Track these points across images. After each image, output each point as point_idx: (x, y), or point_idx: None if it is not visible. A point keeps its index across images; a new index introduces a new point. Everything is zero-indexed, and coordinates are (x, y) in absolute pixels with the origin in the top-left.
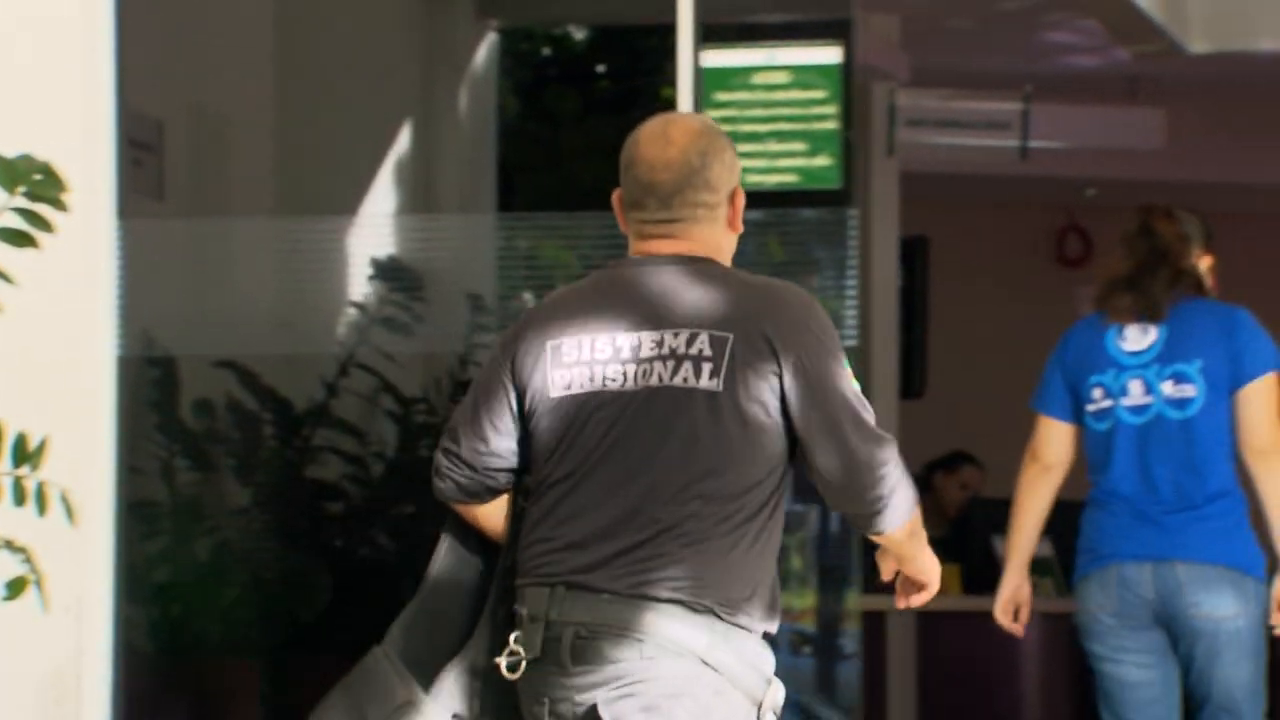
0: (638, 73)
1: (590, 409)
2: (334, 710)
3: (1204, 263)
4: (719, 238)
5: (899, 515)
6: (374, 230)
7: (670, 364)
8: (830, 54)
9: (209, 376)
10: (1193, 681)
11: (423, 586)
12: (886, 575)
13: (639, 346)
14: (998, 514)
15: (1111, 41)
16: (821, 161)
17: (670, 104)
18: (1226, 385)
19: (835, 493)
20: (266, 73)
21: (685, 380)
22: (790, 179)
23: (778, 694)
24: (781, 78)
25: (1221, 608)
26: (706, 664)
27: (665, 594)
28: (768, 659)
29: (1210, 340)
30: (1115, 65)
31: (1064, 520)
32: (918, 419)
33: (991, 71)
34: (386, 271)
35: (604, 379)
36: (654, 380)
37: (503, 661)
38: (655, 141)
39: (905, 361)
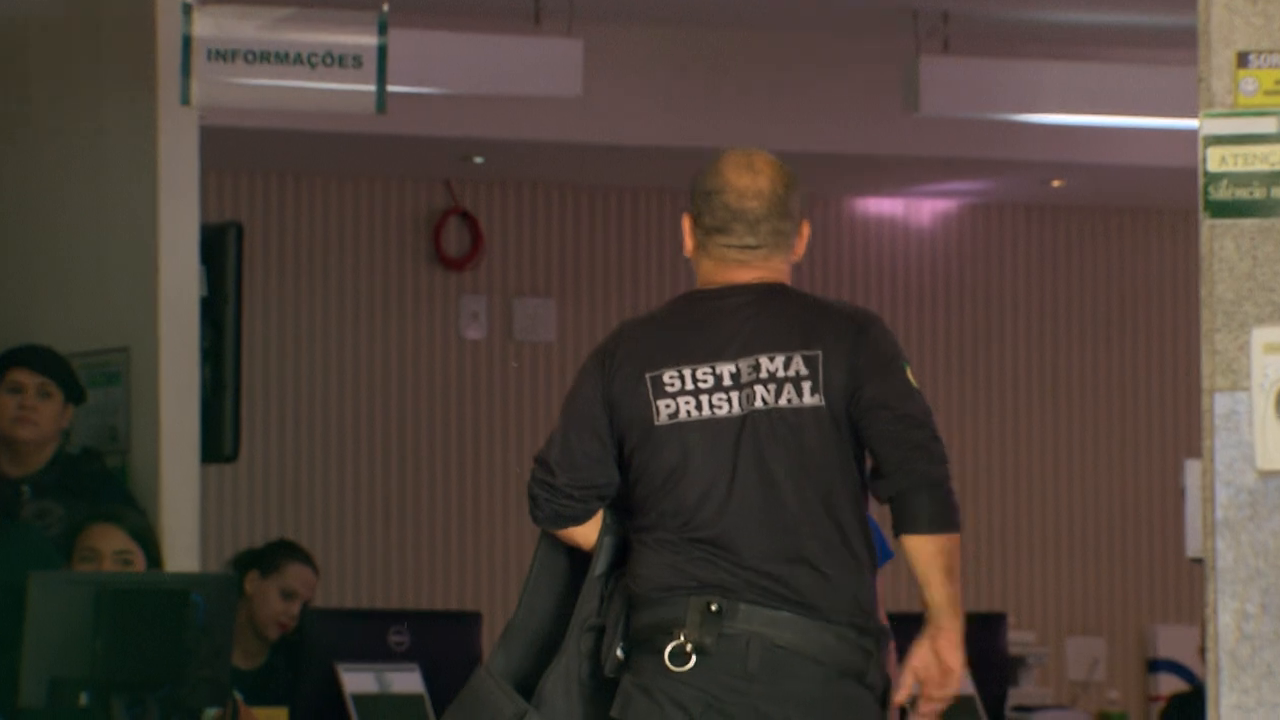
0: None
1: (704, 434)
2: None
3: None
4: (787, 264)
5: (935, 519)
6: None
7: (772, 387)
8: None
9: None
10: None
11: (520, 603)
12: (901, 696)
13: (738, 374)
14: (342, 632)
15: None
16: None
17: None
18: None
19: (886, 475)
20: None
21: (790, 400)
22: None
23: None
24: None
25: None
26: (864, 685)
27: (840, 616)
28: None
29: None
30: None
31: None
32: (227, 493)
33: None
34: None
35: (711, 406)
36: (759, 404)
37: (666, 653)
38: (743, 171)
39: (210, 409)
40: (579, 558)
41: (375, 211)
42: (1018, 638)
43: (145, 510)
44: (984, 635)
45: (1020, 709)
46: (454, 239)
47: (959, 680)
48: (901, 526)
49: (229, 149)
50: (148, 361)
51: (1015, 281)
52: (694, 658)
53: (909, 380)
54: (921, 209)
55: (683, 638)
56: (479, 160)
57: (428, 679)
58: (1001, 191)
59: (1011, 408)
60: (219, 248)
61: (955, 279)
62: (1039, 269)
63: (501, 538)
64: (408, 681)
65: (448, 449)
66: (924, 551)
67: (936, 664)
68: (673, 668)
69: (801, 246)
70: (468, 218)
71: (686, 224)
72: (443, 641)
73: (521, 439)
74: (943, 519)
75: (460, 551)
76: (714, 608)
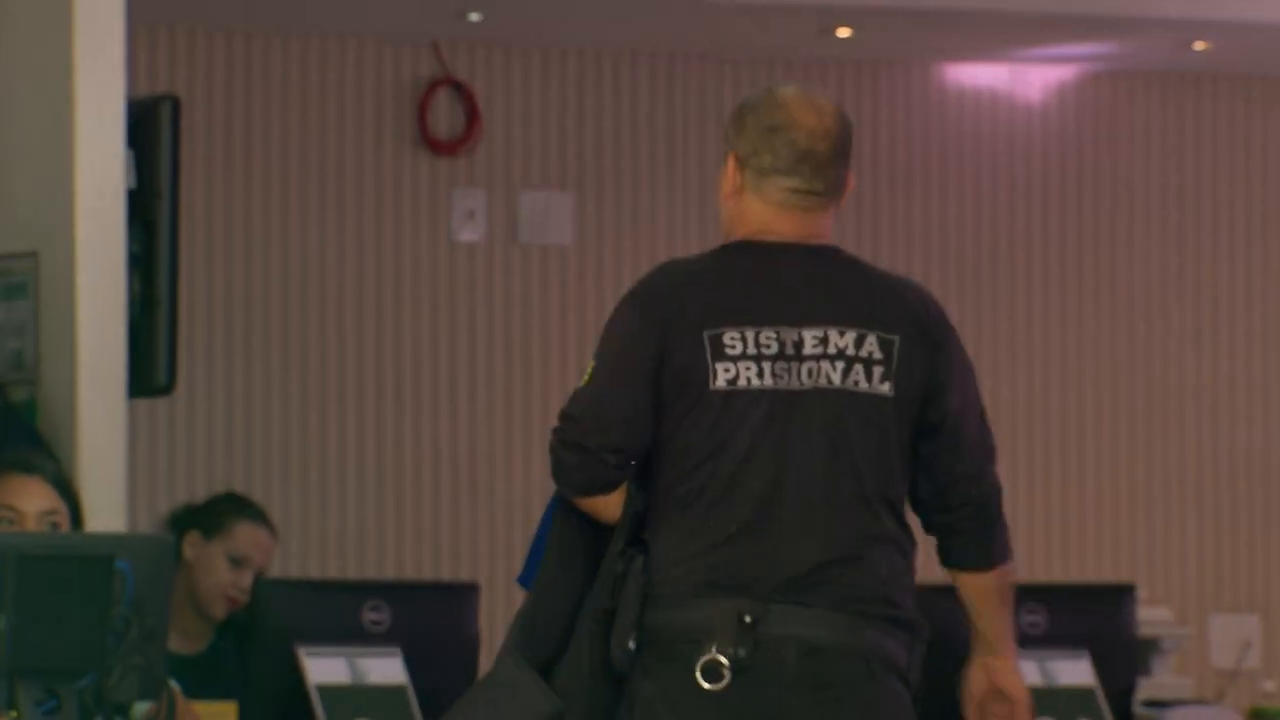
0: None
1: (761, 407)
2: None
3: None
4: (834, 216)
5: (995, 551)
6: None
7: (839, 365)
8: None
9: None
10: None
11: (537, 582)
12: (973, 717)
13: (801, 343)
14: (305, 608)
15: None
16: None
17: None
18: None
19: (941, 497)
20: None
21: (857, 384)
22: None
23: None
24: None
25: None
26: (905, 681)
27: (877, 610)
28: None
29: None
30: None
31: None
32: (161, 434)
33: None
34: None
35: (773, 375)
36: (823, 381)
37: (698, 669)
38: (808, 109)
39: (140, 329)
40: (594, 528)
41: (346, 83)
42: (1150, 616)
43: (59, 456)
44: (1108, 612)
45: (1153, 704)
46: (444, 117)
47: (1029, 709)
48: (957, 560)
49: (163, 1)
50: (61, 270)
51: (1147, 167)
52: (728, 675)
53: (979, 399)
54: (1030, 77)
55: (715, 651)
56: (475, 18)
57: (411, 666)
58: (1131, 56)
59: (1143, 326)
60: (150, 128)
61: (1072, 165)
62: (1176, 151)
63: (505, 493)
64: (387, 669)
65: (436, 379)
66: (982, 587)
67: (998, 695)
68: (706, 685)
69: (845, 199)
70: (461, 90)
71: (731, 163)
72: (430, 620)
73: (530, 367)
74: (1002, 550)
75: (453, 509)
76: (747, 619)
